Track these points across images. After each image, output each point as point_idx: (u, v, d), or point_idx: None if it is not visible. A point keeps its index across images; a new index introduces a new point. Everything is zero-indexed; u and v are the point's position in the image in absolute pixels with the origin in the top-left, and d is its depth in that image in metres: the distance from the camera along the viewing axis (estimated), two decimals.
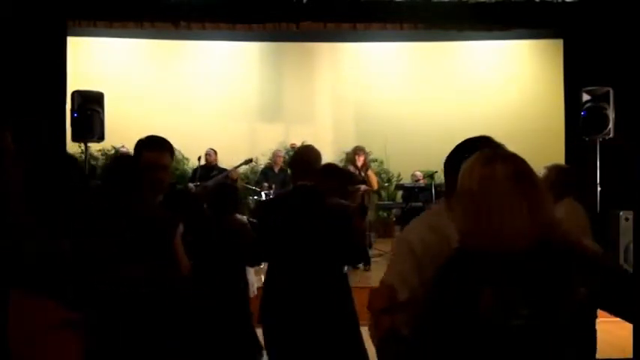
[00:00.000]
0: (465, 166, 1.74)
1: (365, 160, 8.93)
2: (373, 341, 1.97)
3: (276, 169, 10.06)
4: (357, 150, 8.96)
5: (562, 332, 1.60)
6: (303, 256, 3.55)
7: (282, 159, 10.28)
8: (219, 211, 4.29)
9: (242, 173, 11.10)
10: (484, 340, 1.60)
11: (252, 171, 11.43)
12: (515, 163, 1.70)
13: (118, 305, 2.73)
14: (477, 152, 1.76)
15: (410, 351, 1.73)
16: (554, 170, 4.22)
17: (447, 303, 1.67)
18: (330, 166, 4.46)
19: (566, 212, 3.73)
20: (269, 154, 10.99)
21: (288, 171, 11.39)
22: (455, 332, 1.64)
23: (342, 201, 3.81)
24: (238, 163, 9.22)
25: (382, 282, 2.06)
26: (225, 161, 9.88)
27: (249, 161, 9.18)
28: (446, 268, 1.77)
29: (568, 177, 4.20)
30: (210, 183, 8.51)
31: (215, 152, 9.86)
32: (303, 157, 3.80)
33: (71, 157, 2.95)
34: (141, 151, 3.05)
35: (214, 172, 9.26)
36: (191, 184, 8.87)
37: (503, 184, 1.65)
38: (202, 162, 9.35)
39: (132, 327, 2.73)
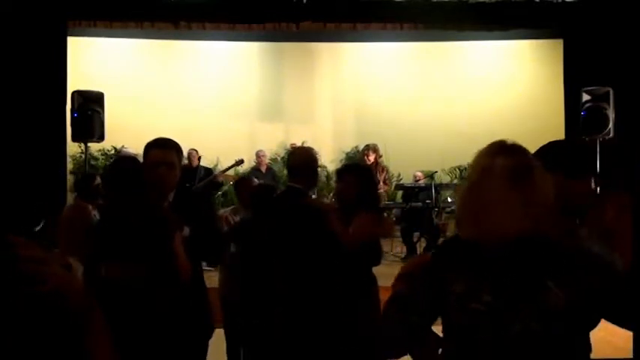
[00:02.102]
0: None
1: (376, 158, 8.45)
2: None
3: (263, 169, 10.03)
4: (366, 149, 8.62)
5: (524, 326, 1.61)
6: (291, 262, 3.50)
7: (265, 158, 10.27)
8: (260, 210, 4.08)
9: (241, 174, 11.07)
10: (453, 322, 1.73)
11: None
12: (518, 157, 1.71)
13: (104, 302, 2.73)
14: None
15: (403, 317, 1.83)
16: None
17: (430, 283, 1.78)
18: (350, 166, 4.24)
19: None
20: (269, 154, 10.98)
21: (284, 171, 11.37)
22: (434, 311, 1.78)
23: (320, 202, 3.68)
24: (227, 166, 9.05)
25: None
26: (226, 162, 9.83)
27: (239, 162, 9.00)
28: (439, 251, 1.92)
29: None
30: (197, 187, 8.36)
31: (197, 152, 9.38)
32: (295, 158, 3.81)
33: None
34: (147, 152, 3.08)
35: (202, 175, 8.92)
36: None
37: (499, 177, 1.65)
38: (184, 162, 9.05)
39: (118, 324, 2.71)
